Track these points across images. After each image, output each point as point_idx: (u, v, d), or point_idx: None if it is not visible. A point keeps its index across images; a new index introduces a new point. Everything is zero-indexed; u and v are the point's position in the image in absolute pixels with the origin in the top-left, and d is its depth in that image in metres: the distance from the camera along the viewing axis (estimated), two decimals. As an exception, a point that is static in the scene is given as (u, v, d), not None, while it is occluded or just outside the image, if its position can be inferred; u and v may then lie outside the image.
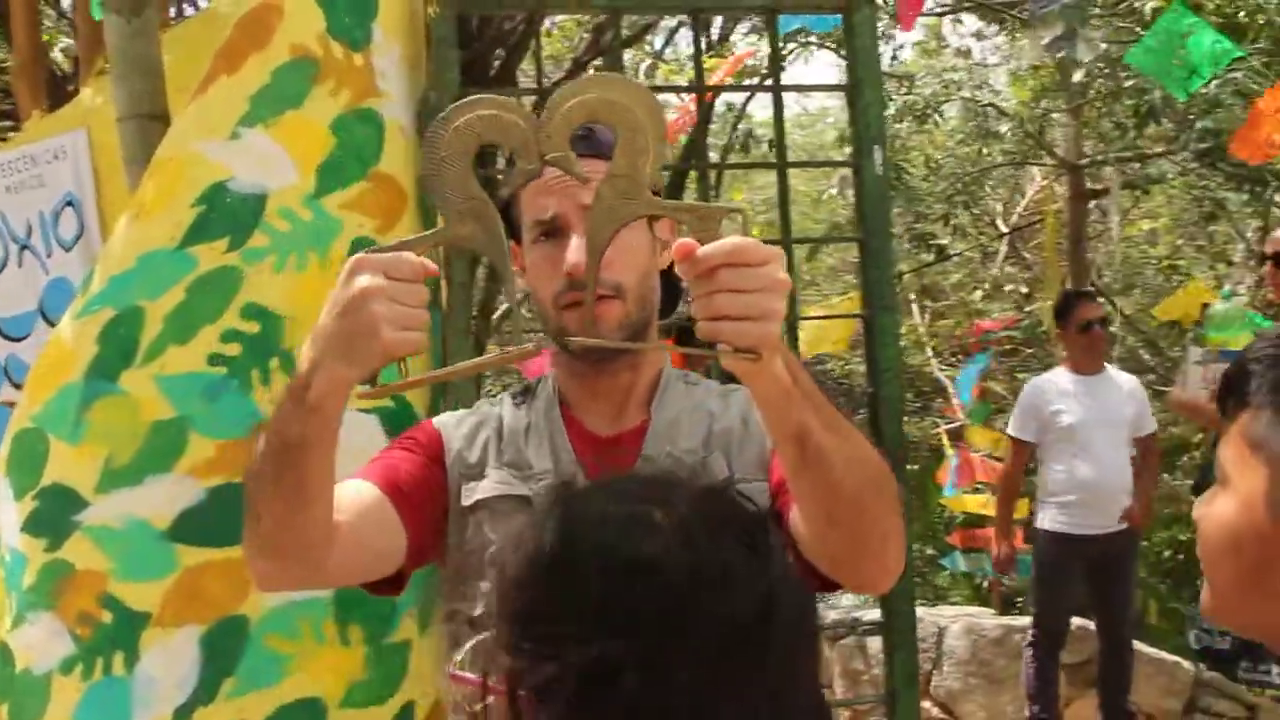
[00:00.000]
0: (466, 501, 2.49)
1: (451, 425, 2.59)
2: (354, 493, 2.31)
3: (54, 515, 3.30)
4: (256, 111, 3.43)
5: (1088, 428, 7.85)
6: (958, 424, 15.16)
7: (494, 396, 2.70)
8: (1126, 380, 8.09)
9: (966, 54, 16.34)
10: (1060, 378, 8.09)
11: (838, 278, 20.84)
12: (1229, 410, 1.50)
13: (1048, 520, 7.97)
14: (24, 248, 4.67)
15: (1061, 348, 8.70)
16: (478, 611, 2.46)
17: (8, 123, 6.27)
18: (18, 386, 4.65)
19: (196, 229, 3.36)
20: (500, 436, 2.54)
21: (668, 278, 2.54)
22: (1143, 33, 9.78)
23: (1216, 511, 1.48)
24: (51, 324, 4.62)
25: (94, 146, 4.59)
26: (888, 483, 2.05)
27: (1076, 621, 8.35)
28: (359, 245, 3.47)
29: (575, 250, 2.32)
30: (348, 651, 3.41)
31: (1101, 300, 15.95)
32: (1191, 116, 11.05)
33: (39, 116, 4.81)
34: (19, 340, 4.68)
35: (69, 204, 4.62)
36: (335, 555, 2.17)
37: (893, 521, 2.05)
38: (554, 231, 2.38)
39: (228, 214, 3.37)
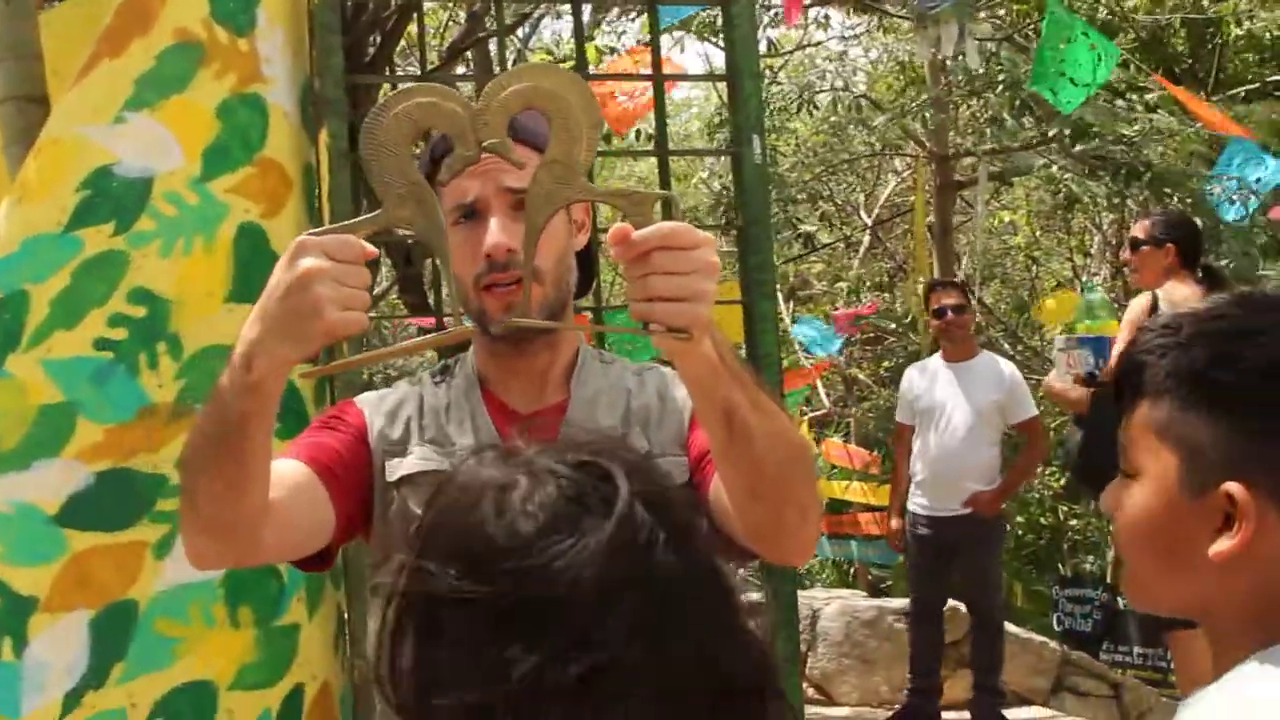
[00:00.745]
0: (391, 477, 2.53)
1: (374, 403, 2.63)
2: (284, 471, 2.33)
3: (-61, 500, 3.28)
4: (141, 95, 3.42)
5: (943, 412, 8.05)
6: (822, 412, 15.35)
7: (412, 377, 2.73)
8: (998, 368, 8.25)
9: (825, 24, 16.45)
10: (932, 363, 8.33)
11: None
12: (1128, 402, 1.59)
13: (911, 499, 8.20)
14: (-103, 234, 4.60)
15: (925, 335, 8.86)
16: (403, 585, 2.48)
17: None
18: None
19: (82, 212, 3.34)
20: (422, 414, 2.58)
21: (581, 257, 2.60)
22: (1012, 31, 9.99)
23: (1133, 499, 1.57)
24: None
25: (-32, 130, 4.54)
26: (807, 460, 2.14)
27: (949, 603, 8.52)
28: (245, 230, 3.49)
29: (495, 232, 2.38)
30: (237, 634, 3.41)
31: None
32: (1052, 117, 11.29)
33: (-89, 101, 4.74)
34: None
35: (-58, 189, 4.56)
36: (271, 532, 2.19)
37: (811, 498, 2.16)
38: (473, 214, 2.42)
39: (113, 197, 3.36)
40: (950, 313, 8.09)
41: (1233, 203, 10.04)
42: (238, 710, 3.40)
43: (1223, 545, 1.48)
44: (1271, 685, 1.43)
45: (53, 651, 3.27)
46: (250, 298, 3.40)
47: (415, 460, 2.53)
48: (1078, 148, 11.30)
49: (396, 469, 2.53)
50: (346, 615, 3.78)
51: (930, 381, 8.20)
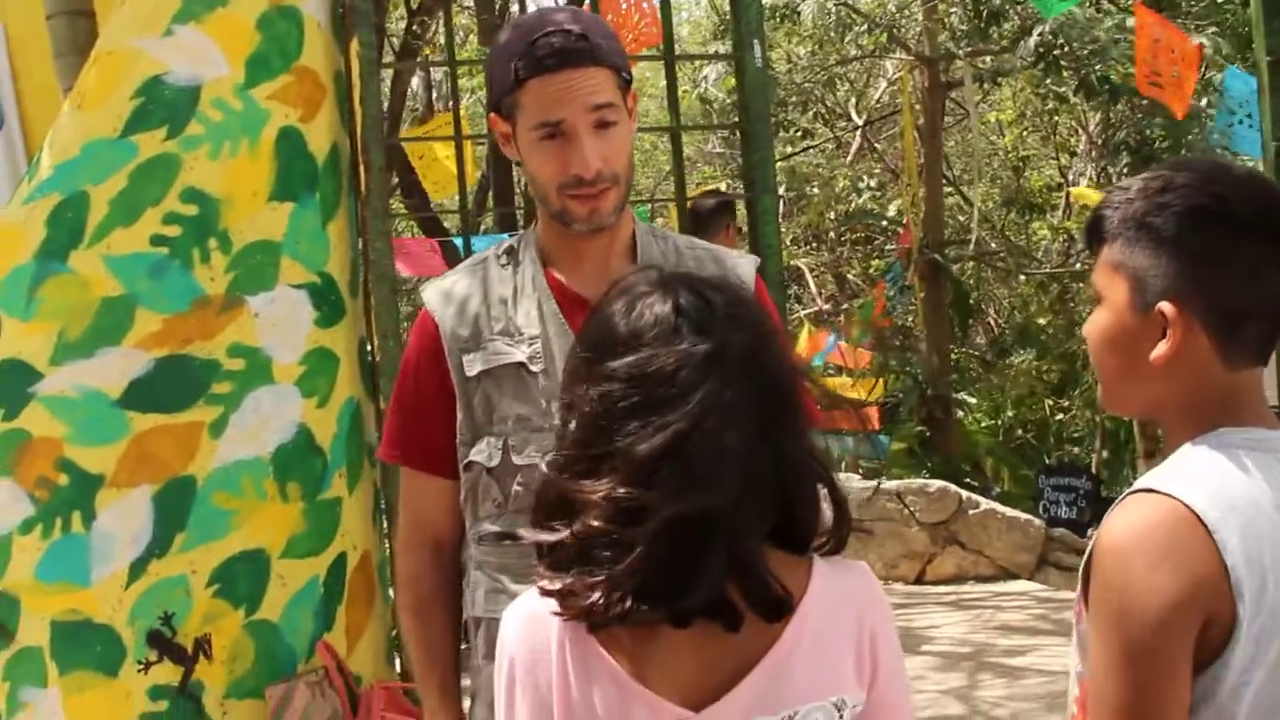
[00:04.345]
0: (470, 372, 2.77)
1: (440, 306, 2.83)
2: (435, 512, 2.89)
3: (9, 387, 3.56)
4: (188, 9, 3.67)
5: None
6: (815, 310, 15.62)
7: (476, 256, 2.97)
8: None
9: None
10: None
11: (693, 168, 21.16)
12: (1092, 247, 2.04)
13: None
14: (-56, 138, 4.87)
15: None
16: (494, 463, 2.73)
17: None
18: (-56, 271, 4.86)
19: (136, 119, 3.61)
20: (489, 305, 2.80)
21: None
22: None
23: (1098, 322, 2.01)
24: (-23, 209, 4.82)
25: (10, 40, 4.79)
26: None
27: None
28: (285, 133, 3.76)
29: (588, 156, 2.66)
30: (286, 507, 3.70)
31: (950, 190, 16.43)
32: (1029, 22, 11.45)
33: (-46, 14, 4.98)
34: (-57, 226, 4.86)
35: (-13, 96, 4.81)
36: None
37: None
38: (560, 133, 2.68)
39: (165, 104, 3.62)
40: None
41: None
42: (288, 576, 3.71)
43: (1160, 350, 1.91)
44: (1193, 459, 1.89)
45: (119, 524, 3.57)
46: (290, 195, 3.71)
47: (489, 355, 2.76)
48: (1040, 53, 11.45)
49: (473, 364, 2.76)
50: (381, 491, 4.06)
51: None
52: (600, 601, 1.77)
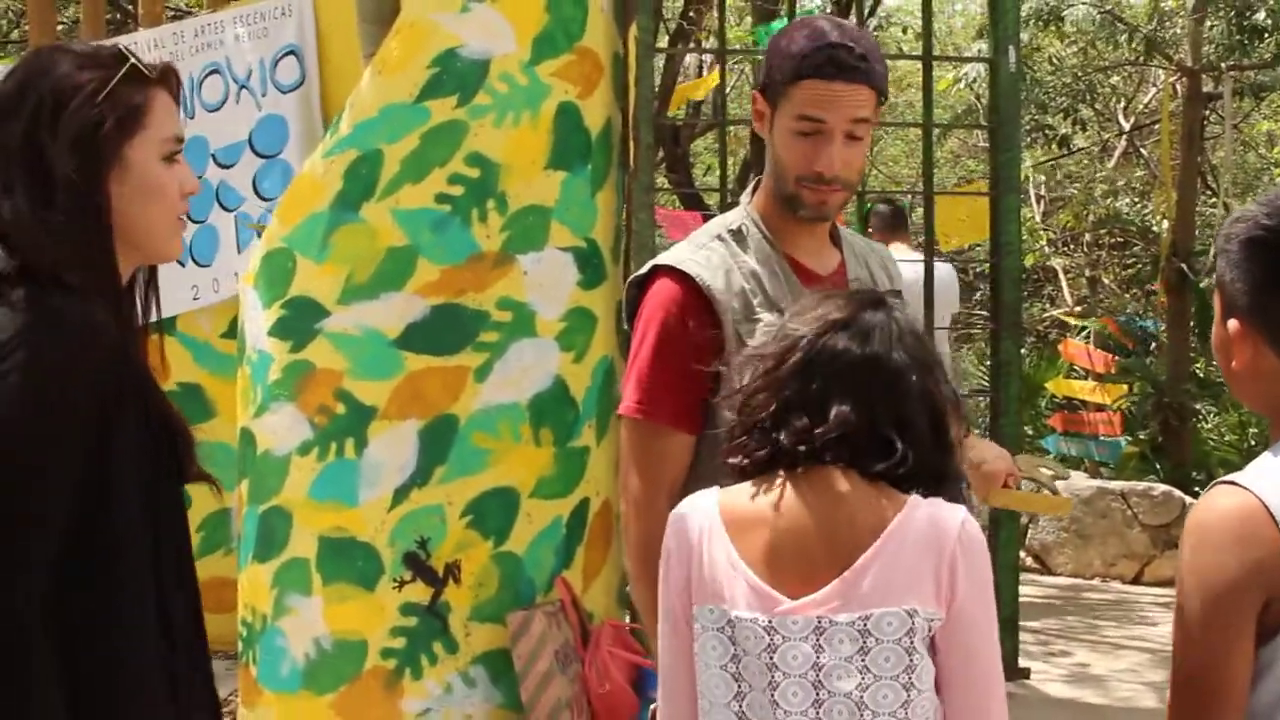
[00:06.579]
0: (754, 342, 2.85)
1: (708, 276, 2.95)
2: (677, 469, 2.95)
3: (299, 322, 3.95)
4: (485, -13, 4.01)
5: None
6: (1064, 310, 15.57)
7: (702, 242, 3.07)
8: None
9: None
10: None
11: (958, 162, 21.10)
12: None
13: None
14: (243, 87, 5.31)
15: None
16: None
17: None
18: (226, 209, 5.33)
19: (431, 86, 3.96)
20: (746, 280, 2.98)
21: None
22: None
23: (1215, 327, 2.22)
24: (259, 155, 5.28)
25: (317, 5, 5.21)
26: None
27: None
28: (564, 108, 4.08)
29: (837, 159, 2.90)
30: (538, 451, 4.03)
31: (1214, 201, 16.20)
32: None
33: (269, -24, 5.41)
34: (228, 168, 5.32)
35: (291, 53, 5.23)
36: None
37: None
38: (817, 133, 2.91)
39: (457, 75, 3.97)
40: None
41: None
42: (535, 515, 4.04)
43: (1234, 363, 2.13)
44: (1273, 458, 2.06)
45: (387, 453, 3.93)
46: (564, 165, 4.03)
47: (764, 328, 2.85)
48: None
49: (752, 335, 2.88)
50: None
51: None
52: (753, 437, 2.26)
